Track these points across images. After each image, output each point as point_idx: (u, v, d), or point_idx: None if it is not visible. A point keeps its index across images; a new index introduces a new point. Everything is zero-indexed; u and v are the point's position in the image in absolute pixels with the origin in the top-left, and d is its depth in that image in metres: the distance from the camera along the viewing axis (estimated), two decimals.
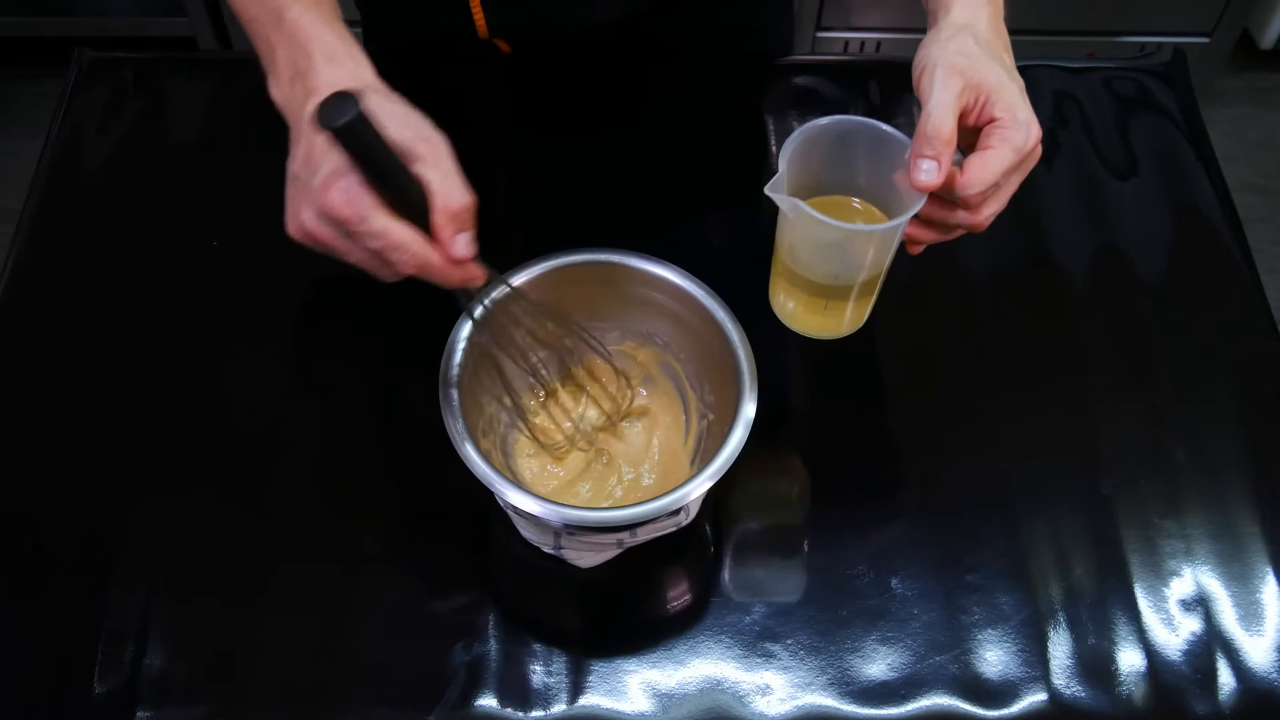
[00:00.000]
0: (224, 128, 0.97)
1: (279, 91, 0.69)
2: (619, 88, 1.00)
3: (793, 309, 0.82)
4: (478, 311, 0.71)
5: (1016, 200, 0.72)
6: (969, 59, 0.68)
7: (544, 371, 0.78)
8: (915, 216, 0.71)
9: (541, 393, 0.79)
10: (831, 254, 0.75)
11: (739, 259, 0.90)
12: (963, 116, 0.68)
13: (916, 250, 0.75)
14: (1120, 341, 0.87)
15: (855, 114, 0.75)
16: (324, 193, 0.62)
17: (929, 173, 0.67)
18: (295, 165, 0.66)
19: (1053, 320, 0.88)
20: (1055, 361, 0.86)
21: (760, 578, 0.76)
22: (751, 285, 0.86)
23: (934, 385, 0.85)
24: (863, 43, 1.99)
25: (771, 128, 0.99)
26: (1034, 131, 0.68)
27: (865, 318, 0.82)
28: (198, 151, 0.96)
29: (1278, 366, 0.86)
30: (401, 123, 0.64)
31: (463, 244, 0.64)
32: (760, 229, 0.93)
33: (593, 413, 0.80)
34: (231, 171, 0.95)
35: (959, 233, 0.73)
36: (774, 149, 0.98)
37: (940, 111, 0.66)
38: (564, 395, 0.80)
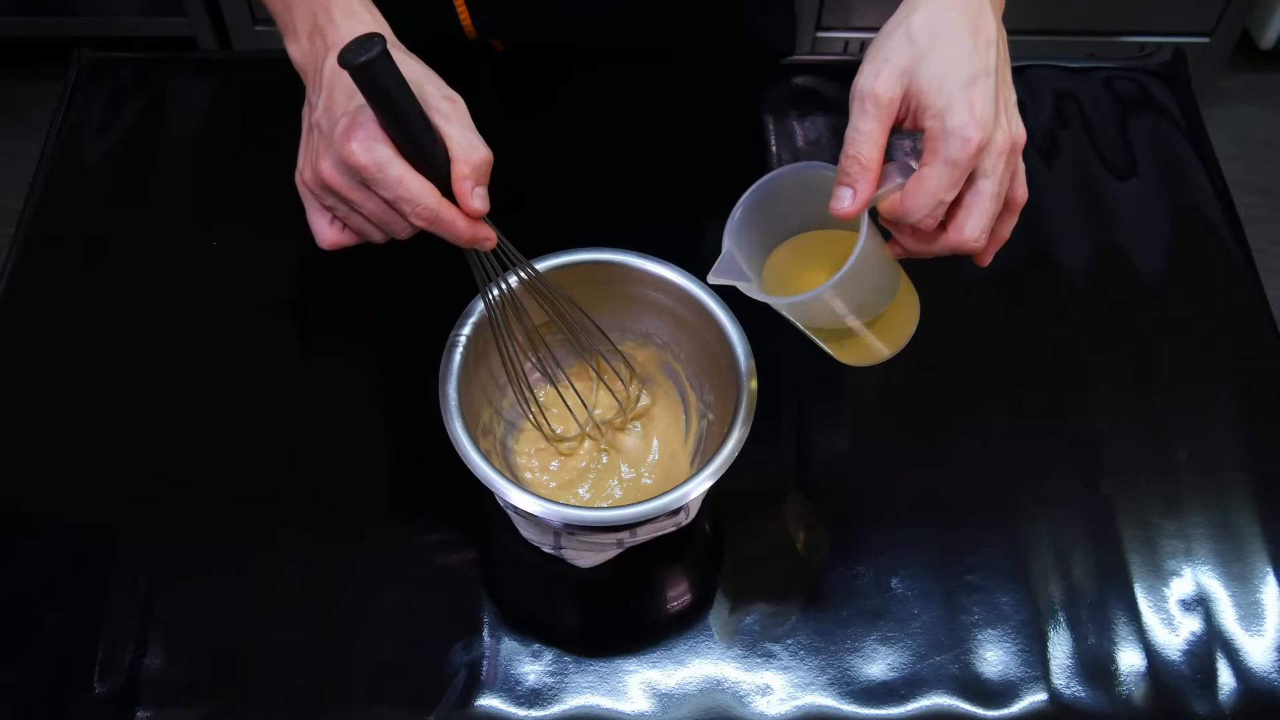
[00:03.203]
0: (224, 128, 0.97)
1: (297, 49, 0.70)
2: (617, 88, 1.00)
3: (827, 348, 0.75)
4: (494, 293, 0.71)
5: None
6: (898, 66, 0.62)
7: (553, 360, 0.78)
8: (899, 243, 0.66)
9: (548, 385, 0.79)
10: (811, 312, 0.69)
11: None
12: (901, 123, 0.64)
13: (983, 263, 0.70)
14: (1120, 341, 0.87)
15: None
16: (344, 141, 0.62)
17: (842, 199, 0.63)
18: (314, 115, 0.67)
19: (1053, 320, 0.88)
20: (1055, 361, 0.86)
21: (760, 577, 0.76)
22: None
23: (934, 385, 0.85)
24: (862, 43, 1.99)
25: (771, 128, 0.99)
26: (970, 137, 0.61)
27: (909, 333, 0.73)
28: (198, 151, 0.96)
29: (1278, 366, 0.86)
30: (423, 77, 0.65)
31: (479, 197, 0.65)
32: None
33: (598, 410, 0.80)
34: (231, 171, 0.95)
35: (1003, 231, 0.68)
36: (774, 149, 0.98)
37: (854, 139, 0.63)
38: (575, 385, 0.80)
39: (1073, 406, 0.84)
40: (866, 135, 0.63)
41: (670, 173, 0.95)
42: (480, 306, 0.73)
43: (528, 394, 0.75)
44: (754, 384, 0.71)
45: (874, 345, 0.73)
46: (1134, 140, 0.98)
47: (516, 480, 0.70)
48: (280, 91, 1.00)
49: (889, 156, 0.65)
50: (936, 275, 0.89)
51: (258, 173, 0.94)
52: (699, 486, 0.67)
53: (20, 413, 0.83)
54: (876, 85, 0.62)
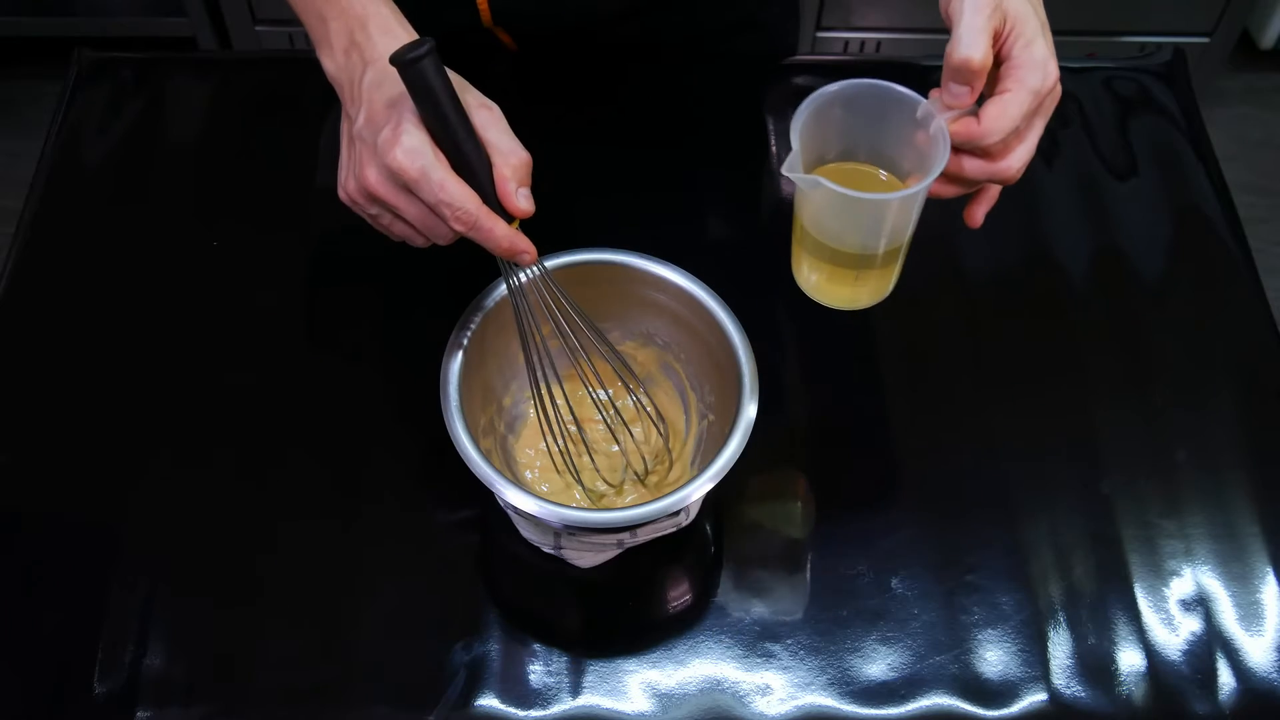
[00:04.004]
0: (224, 128, 0.97)
1: (331, 62, 0.71)
2: (620, 87, 1.00)
3: (817, 281, 0.79)
4: (520, 278, 0.71)
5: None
6: None
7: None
8: (942, 174, 0.68)
9: (572, 426, 0.78)
10: (855, 225, 0.73)
11: (741, 259, 0.90)
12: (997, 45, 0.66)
13: (977, 222, 0.73)
14: (1120, 342, 0.87)
15: None
16: (389, 148, 0.64)
17: (961, 95, 0.65)
18: (355, 127, 0.68)
19: (1053, 320, 0.88)
20: (1055, 361, 0.86)
21: (760, 578, 0.76)
22: (753, 285, 0.86)
23: (934, 385, 0.85)
24: (863, 43, 1.99)
25: (771, 127, 0.99)
26: (1051, 70, 0.66)
27: (891, 286, 0.78)
28: (198, 151, 0.96)
29: (1278, 366, 0.86)
30: (460, 86, 0.67)
31: (525, 198, 0.67)
32: (762, 229, 0.93)
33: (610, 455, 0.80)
34: (231, 171, 0.95)
35: (995, 191, 0.72)
36: (774, 149, 0.98)
37: (970, 36, 0.63)
38: (599, 439, 0.79)
39: (1073, 406, 0.84)
40: (980, 33, 0.64)
41: (671, 173, 0.95)
42: (482, 308, 0.73)
43: (565, 449, 0.75)
44: (755, 385, 0.71)
45: (875, 285, 0.77)
46: (1134, 140, 0.98)
47: (516, 480, 0.70)
48: (280, 91, 1.01)
49: (920, 123, 0.69)
50: (937, 275, 0.89)
51: (258, 173, 0.95)
52: (700, 489, 0.67)
53: (20, 412, 0.83)
54: None
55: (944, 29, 0.70)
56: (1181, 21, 1.96)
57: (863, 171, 0.76)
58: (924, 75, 1.02)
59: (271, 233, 0.91)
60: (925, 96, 0.69)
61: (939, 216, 0.73)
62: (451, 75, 0.67)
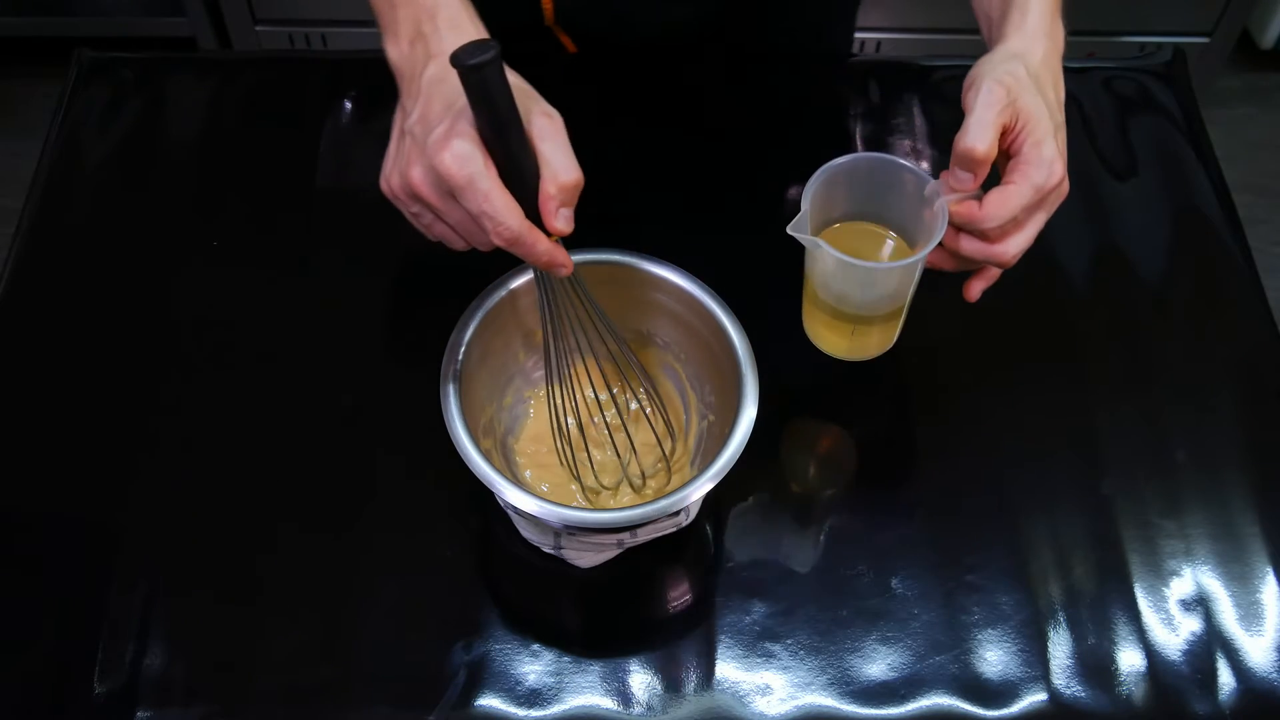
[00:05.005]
0: (224, 128, 0.97)
1: (396, 51, 0.70)
2: (625, 90, 1.00)
3: (822, 333, 0.83)
4: (561, 337, 0.71)
5: None
6: (1015, 80, 0.68)
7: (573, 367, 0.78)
8: (942, 248, 0.72)
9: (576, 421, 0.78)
10: (854, 287, 0.76)
11: (744, 260, 0.89)
12: (1000, 137, 0.69)
13: (974, 297, 0.77)
14: (1120, 341, 0.87)
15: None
16: (438, 150, 0.63)
17: (965, 181, 0.68)
18: (409, 122, 0.67)
19: (1052, 320, 0.88)
20: (1055, 362, 0.86)
21: (760, 578, 0.76)
22: (756, 286, 0.86)
23: (934, 385, 0.85)
24: (863, 43, 1.99)
25: (790, 128, 0.99)
26: (1056, 170, 0.69)
27: (893, 341, 0.83)
28: (198, 151, 0.96)
29: (1278, 366, 0.86)
30: (524, 94, 0.66)
31: (565, 219, 0.65)
32: (765, 229, 0.92)
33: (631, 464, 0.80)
34: (231, 171, 0.95)
35: (995, 272, 0.75)
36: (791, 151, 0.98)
37: (978, 129, 0.67)
38: (605, 441, 0.79)
39: (1073, 406, 0.84)
40: (988, 127, 0.67)
41: (677, 173, 0.95)
42: (482, 308, 0.73)
43: (568, 447, 0.75)
44: (756, 385, 0.71)
45: (875, 340, 0.82)
46: (1134, 140, 0.98)
47: (516, 480, 0.70)
48: (280, 91, 1.01)
49: (926, 200, 0.72)
50: (937, 275, 0.89)
51: (258, 172, 0.95)
52: (700, 489, 0.67)
53: (20, 413, 0.83)
54: (1007, 80, 0.68)
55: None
56: (1181, 21, 1.96)
57: (873, 232, 0.80)
58: (924, 75, 1.02)
59: (271, 233, 0.91)
60: (930, 172, 0.73)
61: None
62: (516, 79, 0.65)
